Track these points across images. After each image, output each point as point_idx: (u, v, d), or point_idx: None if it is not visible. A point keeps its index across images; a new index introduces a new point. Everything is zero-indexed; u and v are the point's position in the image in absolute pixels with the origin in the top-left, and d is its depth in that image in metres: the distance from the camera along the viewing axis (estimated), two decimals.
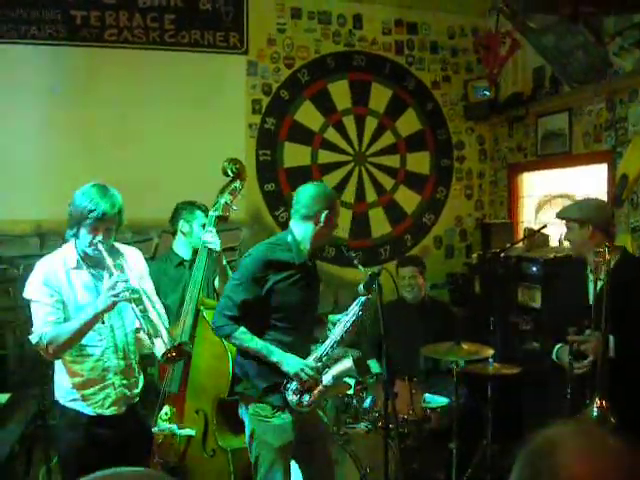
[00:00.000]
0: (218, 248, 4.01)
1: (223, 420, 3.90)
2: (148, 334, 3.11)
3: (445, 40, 6.97)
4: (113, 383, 3.32)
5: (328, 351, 3.51)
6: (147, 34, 6.03)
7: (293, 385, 3.46)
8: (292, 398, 3.46)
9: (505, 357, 4.73)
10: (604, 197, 5.32)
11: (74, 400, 3.28)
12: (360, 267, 3.44)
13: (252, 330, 3.46)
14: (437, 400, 4.84)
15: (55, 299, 3.17)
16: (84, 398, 3.27)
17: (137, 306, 3.09)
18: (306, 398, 3.47)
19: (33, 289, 3.19)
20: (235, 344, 3.52)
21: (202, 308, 3.97)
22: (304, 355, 3.53)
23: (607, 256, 3.53)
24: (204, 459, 3.85)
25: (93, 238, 3.15)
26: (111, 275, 3.14)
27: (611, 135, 5.30)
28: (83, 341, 3.21)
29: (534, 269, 5.50)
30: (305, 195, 3.58)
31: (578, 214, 3.82)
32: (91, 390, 3.27)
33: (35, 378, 4.47)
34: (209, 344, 3.87)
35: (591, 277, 3.72)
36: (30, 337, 3.17)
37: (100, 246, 3.15)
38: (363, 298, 3.49)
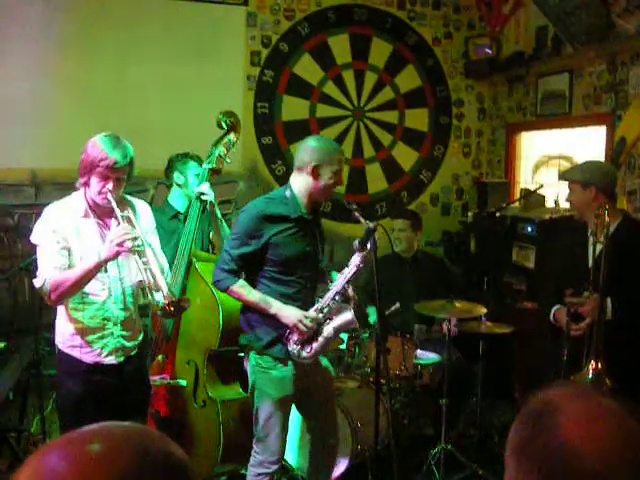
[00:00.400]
0: (212, 199, 4.00)
1: (213, 371, 3.93)
2: (149, 287, 3.12)
3: None
4: (112, 333, 3.32)
5: (329, 303, 3.52)
6: None
7: (294, 336, 3.48)
8: (293, 349, 3.48)
9: (497, 316, 4.76)
10: (602, 159, 5.31)
11: (73, 347, 3.29)
12: (361, 219, 3.43)
13: (254, 283, 3.49)
14: (429, 357, 4.88)
15: (61, 246, 3.18)
16: (82, 345, 3.29)
17: (140, 258, 3.11)
18: (307, 349, 3.49)
19: (40, 234, 3.21)
20: (234, 297, 3.54)
21: (194, 260, 3.97)
22: (309, 307, 3.54)
23: (607, 219, 3.54)
24: (194, 409, 3.89)
25: (103, 187, 3.16)
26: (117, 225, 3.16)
27: (611, 97, 5.27)
28: (85, 289, 3.22)
29: (529, 229, 5.52)
30: (303, 147, 3.58)
31: (581, 176, 3.78)
32: (90, 338, 3.28)
33: (29, 327, 4.50)
34: (200, 296, 3.88)
35: (591, 239, 3.71)
36: (34, 280, 3.19)
37: (109, 195, 3.16)
38: (363, 252, 3.47)
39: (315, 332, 3.48)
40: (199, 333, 3.91)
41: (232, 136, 4.10)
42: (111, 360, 3.34)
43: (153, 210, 3.58)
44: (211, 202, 3.99)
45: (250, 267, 3.51)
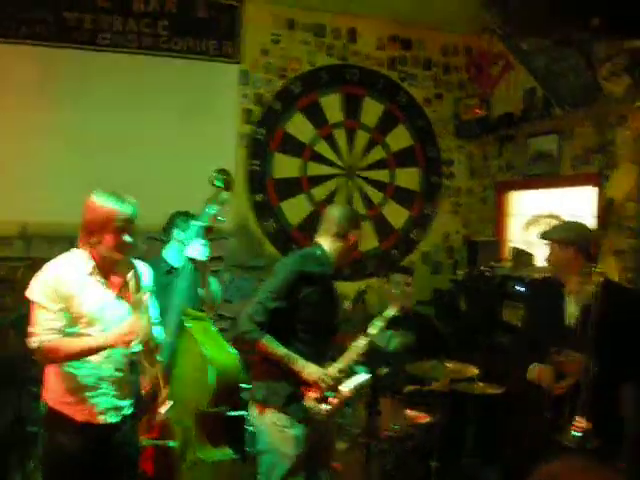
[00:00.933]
0: (203, 258, 3.97)
1: (203, 431, 3.86)
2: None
3: (438, 57, 7.00)
4: (106, 392, 3.27)
5: (350, 363, 3.66)
6: (140, 39, 6.02)
7: (313, 393, 3.53)
8: (311, 405, 3.53)
9: (488, 376, 4.72)
10: (591, 219, 5.34)
11: (64, 404, 3.23)
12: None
13: (276, 337, 3.56)
14: (419, 417, 4.82)
15: (61, 306, 3.14)
16: (75, 403, 3.22)
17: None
18: (324, 408, 3.54)
19: (40, 292, 3.15)
20: (260, 350, 3.57)
21: (185, 318, 3.94)
22: (323, 364, 3.63)
23: (595, 277, 3.56)
24: (183, 471, 3.81)
25: (120, 241, 3.19)
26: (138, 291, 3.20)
27: (599, 158, 5.33)
28: None
29: (519, 288, 5.51)
30: (339, 215, 3.84)
31: (560, 235, 3.87)
32: (82, 395, 3.22)
33: (14, 380, 4.43)
34: (191, 356, 3.83)
35: (567, 298, 3.81)
36: (29, 340, 3.12)
37: (128, 248, 3.22)
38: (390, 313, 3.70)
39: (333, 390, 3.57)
40: (190, 394, 3.84)
41: (225, 194, 4.10)
42: (104, 420, 3.28)
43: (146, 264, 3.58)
44: (202, 262, 3.96)
45: (277, 323, 3.56)
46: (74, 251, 3.29)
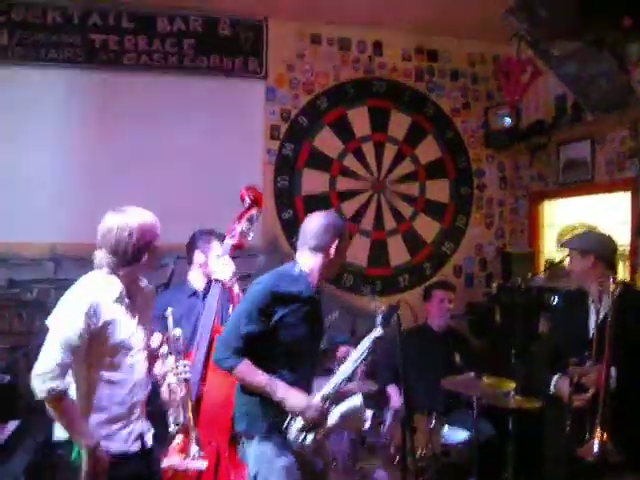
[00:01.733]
0: (226, 278, 3.91)
1: (236, 452, 3.78)
2: None
3: (465, 67, 6.92)
4: (139, 417, 3.17)
5: (336, 389, 3.33)
6: (166, 58, 6.03)
7: (297, 423, 3.27)
8: (294, 438, 3.28)
9: (526, 390, 4.59)
10: (627, 226, 5.22)
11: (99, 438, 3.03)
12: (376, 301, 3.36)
13: (255, 364, 3.29)
14: (457, 434, 4.71)
15: (83, 339, 2.91)
16: (109, 436, 3.05)
17: None
18: (309, 438, 3.27)
19: (66, 319, 2.91)
20: (237, 378, 3.33)
21: (217, 337, 3.87)
22: (307, 390, 3.36)
23: (611, 287, 3.55)
24: None
25: (157, 259, 3.17)
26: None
27: (635, 163, 5.20)
28: (114, 376, 3.05)
29: (555, 300, 5.38)
30: (314, 226, 3.46)
31: (580, 244, 3.95)
32: (117, 426, 3.08)
33: (44, 405, 4.38)
34: (221, 373, 3.76)
35: (592, 308, 3.82)
36: (36, 385, 2.88)
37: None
38: (376, 334, 3.35)
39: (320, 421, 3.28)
40: (223, 412, 3.77)
41: (255, 211, 4.05)
42: (137, 447, 3.15)
43: (174, 287, 3.55)
44: (228, 280, 3.91)
45: (254, 348, 3.29)
46: (94, 274, 3.11)
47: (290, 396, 3.25)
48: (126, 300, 3.12)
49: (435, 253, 6.84)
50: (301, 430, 3.26)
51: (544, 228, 6.69)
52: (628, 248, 5.34)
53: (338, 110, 6.54)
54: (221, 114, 6.12)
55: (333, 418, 3.30)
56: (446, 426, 4.68)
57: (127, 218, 3.08)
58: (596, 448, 3.32)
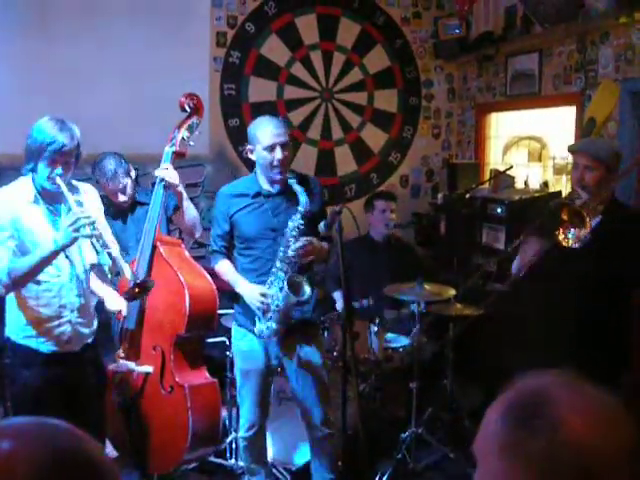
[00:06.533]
0: (174, 180, 3.87)
1: (181, 356, 3.85)
2: (110, 270, 3.08)
3: None
4: (69, 320, 3.25)
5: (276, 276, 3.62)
6: None
7: (258, 313, 3.66)
8: (258, 327, 3.67)
9: (467, 298, 4.73)
10: (571, 140, 5.28)
11: (28, 337, 3.21)
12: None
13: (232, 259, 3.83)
14: (399, 340, 4.84)
15: (7, 234, 3.07)
16: (39, 335, 3.20)
17: (97, 242, 3.04)
18: (268, 326, 3.63)
19: None
20: (218, 274, 3.84)
21: (159, 244, 3.88)
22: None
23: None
24: (161, 396, 3.81)
25: (52, 171, 3.08)
26: (70, 210, 3.06)
27: (581, 77, 5.23)
28: (40, 276, 3.13)
29: (499, 210, 5.48)
30: (248, 130, 3.83)
31: (595, 151, 3.43)
32: (46, 327, 3.20)
33: None
34: (165, 280, 3.79)
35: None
36: None
37: (59, 180, 3.08)
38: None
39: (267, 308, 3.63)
40: (165, 318, 3.82)
41: (195, 119, 3.99)
42: (69, 348, 3.27)
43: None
44: (174, 184, 3.86)
45: (230, 244, 3.82)
46: (19, 180, 3.21)
47: (243, 289, 3.71)
48: (44, 204, 3.19)
49: (382, 163, 6.86)
50: (262, 319, 3.65)
51: (490, 140, 6.74)
52: (571, 162, 5.42)
53: (286, 17, 6.40)
54: (166, 20, 5.91)
55: (277, 303, 3.60)
56: (388, 332, 4.80)
57: (36, 124, 3.13)
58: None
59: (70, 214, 3.04)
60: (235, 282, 3.74)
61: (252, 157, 3.75)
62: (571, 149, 3.71)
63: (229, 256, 3.88)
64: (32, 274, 3.08)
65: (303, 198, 3.53)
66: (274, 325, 3.62)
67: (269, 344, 3.77)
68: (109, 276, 3.24)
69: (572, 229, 3.20)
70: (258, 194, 3.72)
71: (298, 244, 3.53)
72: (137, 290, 3.18)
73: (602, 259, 3.29)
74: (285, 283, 3.53)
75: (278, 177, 3.66)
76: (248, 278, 3.73)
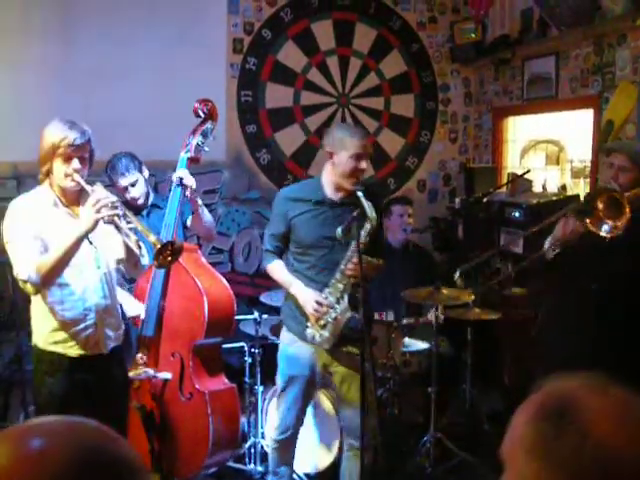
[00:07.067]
0: (192, 184, 3.87)
1: (200, 362, 3.87)
2: (138, 245, 3.15)
3: None
4: (95, 323, 3.25)
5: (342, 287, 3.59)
6: None
7: (312, 319, 3.60)
8: (309, 332, 3.61)
9: (485, 302, 4.72)
10: (589, 143, 5.26)
11: (56, 343, 3.21)
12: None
13: (287, 261, 3.79)
14: (417, 345, 4.84)
15: (34, 234, 3.08)
16: (66, 339, 3.20)
17: (121, 221, 3.06)
18: (322, 334, 3.59)
19: (14, 228, 3.10)
20: (270, 274, 3.82)
21: None
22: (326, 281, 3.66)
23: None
24: (181, 402, 3.83)
25: (68, 167, 3.10)
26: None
27: (598, 80, 5.21)
28: (63, 279, 3.14)
29: (517, 214, 5.46)
30: (327, 132, 3.79)
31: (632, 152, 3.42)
32: (72, 330, 3.20)
33: (12, 322, 4.42)
34: (183, 287, 3.82)
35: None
36: (18, 275, 3.07)
37: (76, 176, 3.10)
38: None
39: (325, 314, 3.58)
40: (183, 324, 3.84)
41: (209, 124, 4.02)
42: (97, 350, 3.27)
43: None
44: (192, 188, 3.87)
45: (285, 246, 3.79)
46: (38, 187, 3.23)
47: (301, 292, 3.64)
48: (63, 207, 3.20)
49: (399, 168, 6.86)
50: (315, 326, 3.60)
51: (507, 143, 6.73)
52: (589, 165, 5.40)
53: (302, 23, 6.42)
54: (183, 27, 5.94)
55: (337, 313, 3.56)
56: (406, 337, 4.79)
57: (46, 127, 3.19)
58: None
59: (91, 197, 3.05)
60: (290, 283, 3.69)
61: (330, 160, 3.66)
62: (608, 148, 3.70)
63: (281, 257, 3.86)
64: (60, 266, 3.06)
65: (372, 213, 3.44)
66: (327, 334, 3.58)
67: (317, 352, 3.72)
68: (136, 251, 3.19)
69: (607, 220, 3.18)
70: (321, 202, 3.68)
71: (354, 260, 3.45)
72: (168, 252, 3.05)
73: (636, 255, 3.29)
74: (346, 297, 3.53)
75: (352, 187, 3.59)
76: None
